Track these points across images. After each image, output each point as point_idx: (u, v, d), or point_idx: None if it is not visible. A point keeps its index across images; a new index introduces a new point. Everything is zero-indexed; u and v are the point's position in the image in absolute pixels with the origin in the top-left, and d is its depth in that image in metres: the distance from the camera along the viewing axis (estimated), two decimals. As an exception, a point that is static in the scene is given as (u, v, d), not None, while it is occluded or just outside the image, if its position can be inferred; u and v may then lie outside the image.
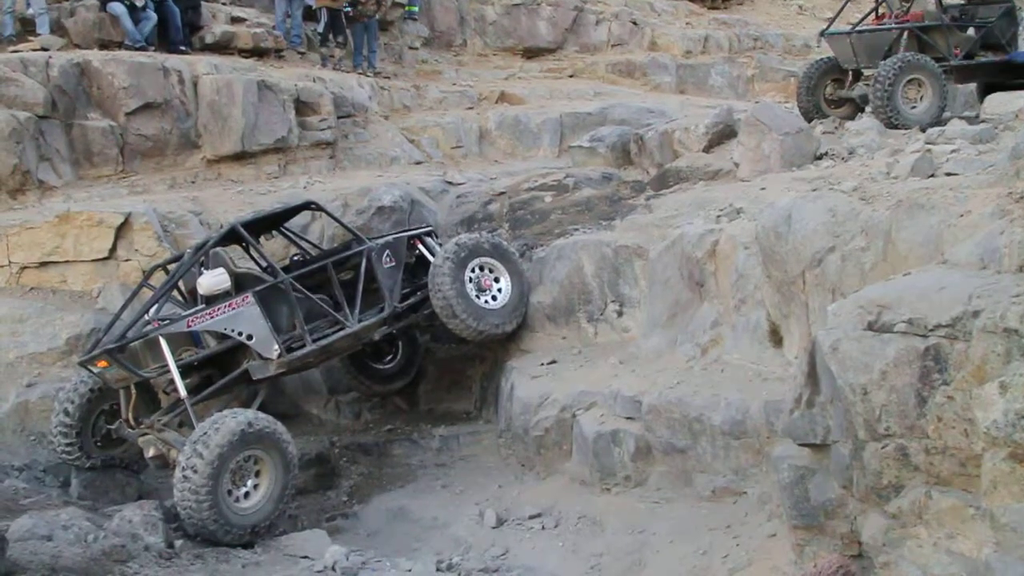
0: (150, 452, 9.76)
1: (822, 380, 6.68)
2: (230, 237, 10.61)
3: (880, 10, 14.43)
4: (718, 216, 10.85)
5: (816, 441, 6.84)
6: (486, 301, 11.43)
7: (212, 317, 9.82)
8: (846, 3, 15.17)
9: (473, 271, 11.35)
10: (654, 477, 9.63)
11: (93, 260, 11.98)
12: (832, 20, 14.55)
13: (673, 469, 9.46)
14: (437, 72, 19.63)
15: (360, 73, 17.58)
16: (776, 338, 9.36)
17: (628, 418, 9.81)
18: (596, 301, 11.54)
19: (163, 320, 9.90)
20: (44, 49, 14.14)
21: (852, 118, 13.50)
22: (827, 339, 6.48)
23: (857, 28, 13.77)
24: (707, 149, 14.56)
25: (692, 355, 10.07)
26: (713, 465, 9.10)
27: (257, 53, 16.35)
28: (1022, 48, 13.25)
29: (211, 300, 10.06)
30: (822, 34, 14.32)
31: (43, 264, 11.93)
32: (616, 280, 11.42)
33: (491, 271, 11.54)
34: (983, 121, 11.81)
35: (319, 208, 11.63)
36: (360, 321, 10.73)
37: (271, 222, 11.37)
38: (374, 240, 11.36)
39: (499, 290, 11.56)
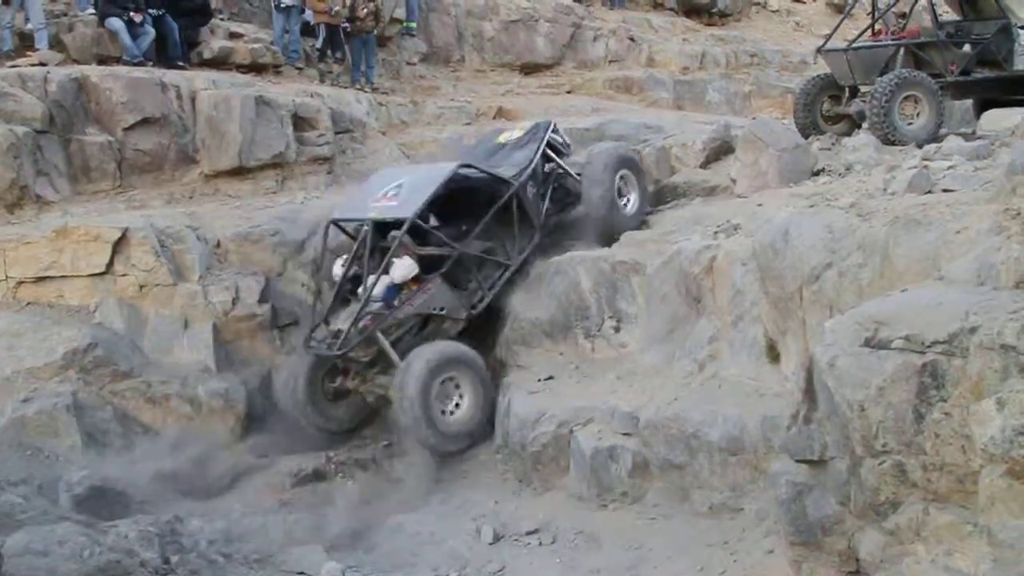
0: (371, 399, 11.73)
1: (819, 396, 6.68)
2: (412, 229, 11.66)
3: (876, 27, 14.47)
4: (715, 232, 10.86)
5: (814, 457, 6.83)
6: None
7: (412, 304, 11.60)
8: (843, 20, 15.21)
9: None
10: (651, 493, 9.61)
11: (90, 275, 11.95)
12: (829, 36, 14.57)
13: (670, 485, 9.44)
14: (435, 88, 19.64)
15: (358, 88, 17.60)
16: (773, 354, 9.37)
17: (625, 434, 9.81)
18: (593, 317, 11.53)
19: (375, 315, 11.39)
20: (42, 64, 14.15)
21: (849, 134, 13.48)
22: (824, 355, 6.49)
23: (854, 45, 13.79)
24: (704, 165, 14.58)
25: (689, 371, 10.07)
26: (710, 481, 9.09)
27: (255, 68, 16.35)
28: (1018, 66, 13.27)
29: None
30: (819, 50, 14.34)
31: (40, 279, 11.91)
32: (613, 296, 11.41)
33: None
34: (980, 137, 11.83)
35: (471, 167, 12.30)
36: (520, 253, 12.40)
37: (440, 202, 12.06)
38: (517, 176, 12.47)
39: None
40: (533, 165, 12.74)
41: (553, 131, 13.48)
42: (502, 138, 13.85)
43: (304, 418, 11.67)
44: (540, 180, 12.90)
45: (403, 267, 11.61)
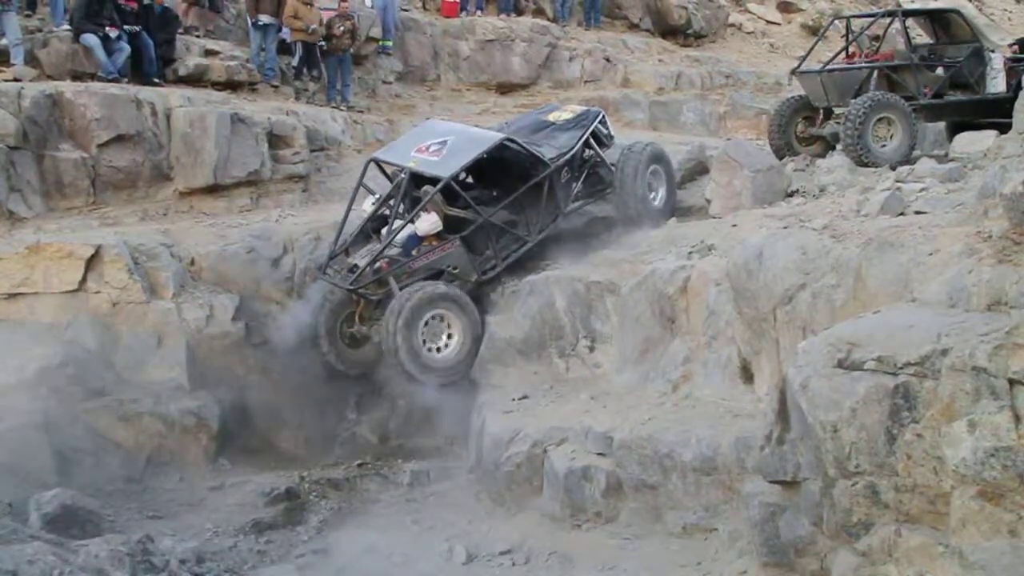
0: (376, 339, 12.05)
1: (793, 417, 6.69)
2: (444, 189, 12.24)
3: (851, 49, 14.57)
4: (690, 252, 10.89)
5: (787, 478, 6.85)
6: None
7: (428, 258, 12.27)
8: (817, 42, 15.33)
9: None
10: (625, 513, 9.60)
11: (63, 292, 11.87)
12: (803, 58, 14.67)
13: (644, 505, 9.44)
14: (410, 106, 19.64)
15: (334, 107, 17.59)
16: (747, 375, 9.39)
17: (599, 454, 9.79)
18: (568, 336, 11.54)
19: (392, 259, 12.16)
20: (16, 80, 14.05)
21: (823, 156, 13.58)
22: (797, 376, 6.50)
23: (828, 67, 13.89)
24: (679, 185, 14.63)
25: (663, 391, 10.09)
26: (684, 501, 9.09)
27: (230, 86, 16.31)
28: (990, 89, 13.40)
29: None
30: (793, 72, 14.44)
31: (12, 296, 11.82)
32: (588, 316, 11.43)
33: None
34: (952, 160, 11.92)
35: (514, 142, 12.77)
36: (540, 232, 12.98)
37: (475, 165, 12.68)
38: (555, 160, 13.01)
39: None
40: (573, 152, 13.37)
41: (601, 122, 14.07)
42: (551, 116, 14.36)
43: (327, 359, 12.47)
44: (576, 166, 13.53)
45: (428, 222, 12.37)
